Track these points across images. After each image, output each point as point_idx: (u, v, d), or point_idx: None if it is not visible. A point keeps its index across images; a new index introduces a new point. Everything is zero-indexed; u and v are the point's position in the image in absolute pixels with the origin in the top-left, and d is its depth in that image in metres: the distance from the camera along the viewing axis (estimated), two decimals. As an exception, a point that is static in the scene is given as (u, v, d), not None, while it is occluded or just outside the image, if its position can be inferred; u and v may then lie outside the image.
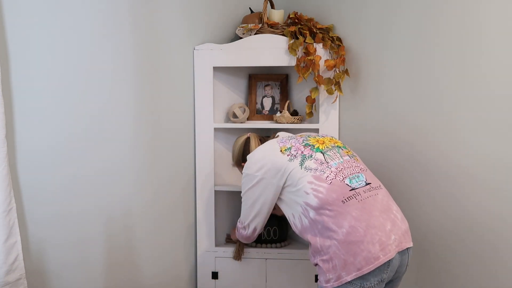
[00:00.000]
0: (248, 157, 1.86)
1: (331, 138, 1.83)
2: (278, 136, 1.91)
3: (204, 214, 2.36)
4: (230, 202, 2.52)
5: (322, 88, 2.23)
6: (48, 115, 1.82)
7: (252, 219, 1.87)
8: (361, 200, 1.59)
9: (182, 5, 2.24)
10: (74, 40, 1.86)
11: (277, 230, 2.41)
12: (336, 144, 1.78)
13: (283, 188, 1.72)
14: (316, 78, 2.20)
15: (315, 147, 1.73)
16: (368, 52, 2.16)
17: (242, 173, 1.87)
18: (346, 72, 2.22)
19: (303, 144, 1.75)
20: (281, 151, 1.74)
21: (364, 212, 1.56)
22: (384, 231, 1.54)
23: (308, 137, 1.80)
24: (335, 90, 2.21)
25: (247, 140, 2.04)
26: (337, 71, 2.21)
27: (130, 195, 2.13)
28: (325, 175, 1.63)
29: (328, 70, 2.20)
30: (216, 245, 2.39)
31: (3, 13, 1.66)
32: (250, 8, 2.47)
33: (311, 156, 1.69)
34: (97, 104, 1.96)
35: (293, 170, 1.68)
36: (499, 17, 1.68)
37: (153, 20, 2.13)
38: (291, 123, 2.30)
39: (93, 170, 1.97)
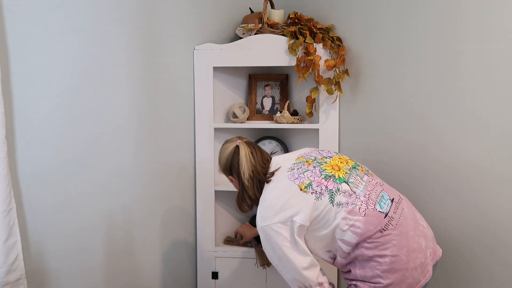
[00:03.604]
0: (264, 205, 1.61)
1: (339, 156, 1.70)
2: (279, 167, 1.67)
3: (204, 214, 2.36)
4: (230, 202, 2.52)
5: (322, 88, 2.23)
6: (48, 115, 1.82)
7: (316, 275, 1.58)
8: (396, 224, 1.54)
9: (182, 5, 2.24)
10: (74, 40, 1.86)
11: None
12: (350, 165, 1.66)
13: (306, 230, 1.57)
14: (316, 78, 2.20)
15: (336, 177, 1.59)
16: (368, 52, 2.16)
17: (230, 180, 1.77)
18: (346, 72, 2.22)
19: (323, 176, 1.59)
20: (301, 189, 1.56)
21: (402, 238, 1.52)
22: (422, 250, 1.53)
23: (320, 164, 1.64)
24: (335, 90, 2.21)
25: (236, 149, 1.74)
26: (337, 71, 2.21)
27: (131, 195, 2.13)
28: (357, 207, 1.53)
29: (328, 70, 2.20)
30: (216, 245, 2.39)
31: (3, 13, 1.66)
32: (250, 8, 2.47)
33: (339, 190, 1.56)
34: (97, 105, 1.96)
35: (324, 209, 1.54)
36: (498, 19, 1.68)
37: (153, 20, 2.13)
38: (291, 123, 2.30)
39: (93, 170, 1.97)
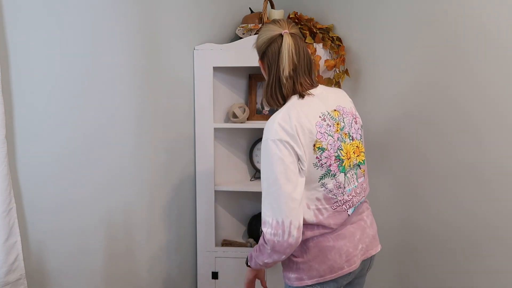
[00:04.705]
0: (277, 121, 1.42)
1: (358, 145, 1.55)
2: (315, 95, 1.49)
3: (204, 214, 2.36)
4: (230, 202, 2.52)
5: (322, 88, 2.23)
6: (48, 115, 1.82)
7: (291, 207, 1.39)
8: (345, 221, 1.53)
9: (182, 5, 2.24)
10: (74, 40, 1.86)
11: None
12: (358, 160, 1.54)
13: None
14: (316, 78, 2.20)
15: (342, 164, 1.48)
16: (368, 52, 2.16)
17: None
18: (346, 72, 2.22)
19: (335, 154, 1.46)
20: (314, 146, 1.42)
21: (339, 228, 1.52)
22: (353, 241, 1.52)
23: (342, 140, 1.49)
24: (335, 90, 2.21)
25: (280, 38, 1.48)
26: (337, 71, 2.21)
27: (131, 195, 2.13)
28: (335, 200, 1.48)
29: (328, 70, 2.20)
30: (216, 245, 2.39)
31: (3, 13, 1.66)
32: (250, 8, 2.47)
33: (335, 175, 1.46)
34: (97, 105, 1.96)
35: (311, 179, 1.44)
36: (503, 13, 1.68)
37: (154, 20, 2.13)
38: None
39: (93, 170, 1.97)
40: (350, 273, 1.52)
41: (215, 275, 2.39)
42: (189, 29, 2.29)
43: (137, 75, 2.10)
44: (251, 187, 2.36)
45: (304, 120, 1.41)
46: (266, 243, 1.41)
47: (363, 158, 1.58)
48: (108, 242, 2.06)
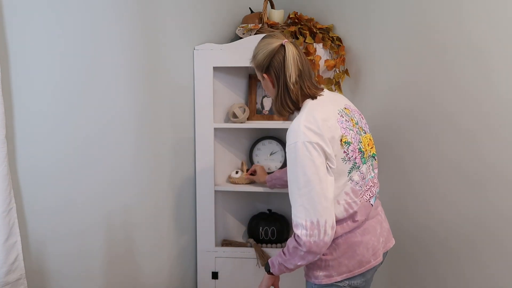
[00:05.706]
0: (302, 123, 1.43)
1: (370, 137, 1.62)
2: (324, 95, 1.56)
3: (204, 214, 2.36)
4: (230, 202, 2.52)
5: (322, 88, 2.23)
6: (48, 115, 1.82)
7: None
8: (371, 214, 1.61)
9: (182, 5, 2.24)
10: (74, 40, 1.86)
11: (277, 230, 2.41)
12: (371, 152, 1.61)
13: None
14: (316, 78, 2.20)
15: (364, 156, 1.54)
16: (368, 52, 2.16)
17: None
18: (346, 72, 2.22)
19: (358, 146, 1.51)
20: (341, 141, 1.46)
21: (366, 221, 1.59)
22: (376, 235, 1.58)
23: (359, 133, 1.54)
24: (335, 90, 2.21)
25: (281, 48, 1.52)
26: (337, 71, 2.21)
27: (131, 195, 2.13)
28: (361, 191, 1.53)
29: (328, 70, 2.20)
30: (216, 245, 2.39)
31: (3, 13, 1.66)
32: (250, 8, 2.47)
33: (359, 168, 1.52)
34: (97, 105, 1.96)
35: (340, 174, 1.47)
36: (495, 15, 1.68)
37: (153, 20, 2.13)
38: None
39: (94, 170, 1.97)
40: (375, 266, 1.58)
41: (215, 275, 2.39)
42: (189, 29, 2.29)
43: (137, 75, 2.09)
44: (251, 187, 2.36)
45: (327, 118, 1.46)
46: (301, 245, 1.42)
47: (375, 151, 1.65)
48: (108, 242, 2.06)
